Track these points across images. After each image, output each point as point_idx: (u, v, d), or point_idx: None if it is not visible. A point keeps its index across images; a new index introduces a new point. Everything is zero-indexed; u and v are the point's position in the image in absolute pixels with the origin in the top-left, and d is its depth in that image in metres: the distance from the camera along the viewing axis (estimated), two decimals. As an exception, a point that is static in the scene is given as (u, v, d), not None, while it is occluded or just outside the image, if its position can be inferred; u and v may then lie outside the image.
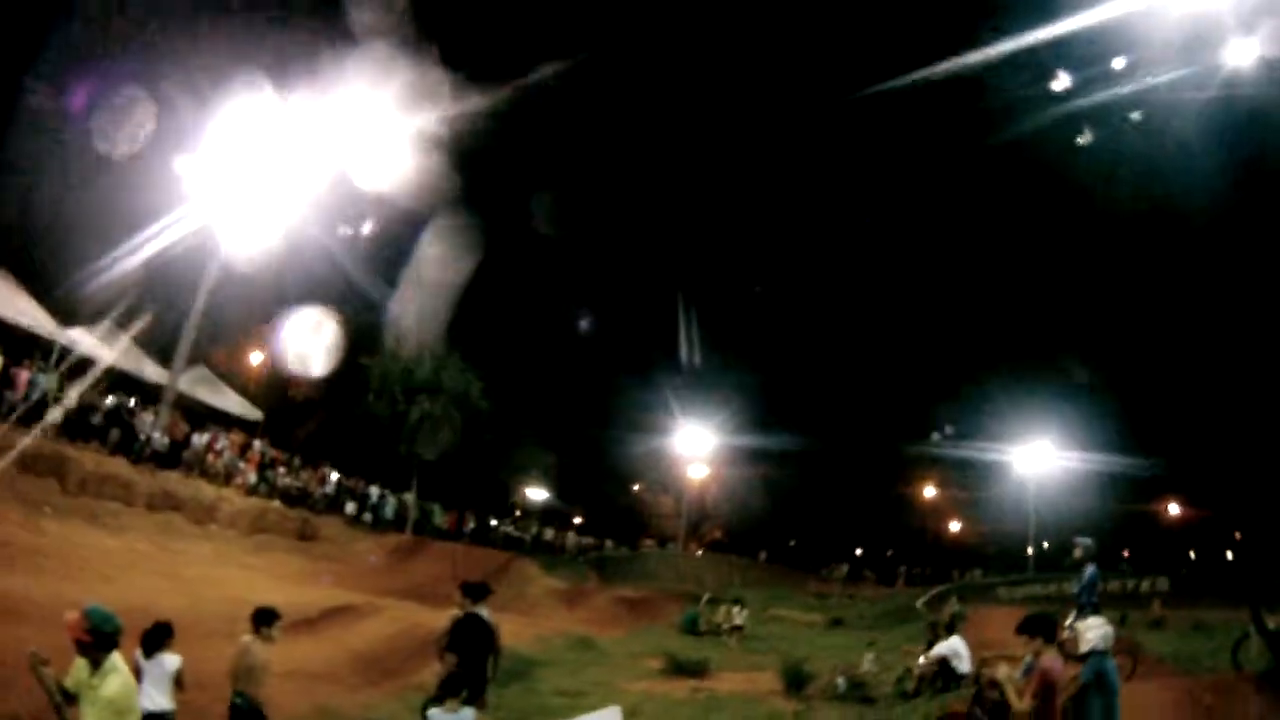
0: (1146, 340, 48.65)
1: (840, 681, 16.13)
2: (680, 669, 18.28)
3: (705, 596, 28.21)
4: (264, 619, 8.48)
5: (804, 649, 21.05)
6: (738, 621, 25.64)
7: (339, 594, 20.51)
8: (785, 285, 60.08)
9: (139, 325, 29.41)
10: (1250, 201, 37.51)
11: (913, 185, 53.28)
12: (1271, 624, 12.57)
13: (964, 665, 14.04)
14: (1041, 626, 7.36)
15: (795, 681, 16.32)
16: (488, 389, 38.61)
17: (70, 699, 5.84)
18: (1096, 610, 13.20)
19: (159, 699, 7.47)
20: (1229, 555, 54.32)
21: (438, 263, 39.50)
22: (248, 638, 8.35)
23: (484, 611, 10.55)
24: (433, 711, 8.01)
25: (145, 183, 27.18)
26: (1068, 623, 9.73)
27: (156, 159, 27.45)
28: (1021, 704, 7.04)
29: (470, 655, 9.83)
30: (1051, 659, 7.23)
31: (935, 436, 54.23)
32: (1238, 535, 56.17)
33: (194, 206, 27.57)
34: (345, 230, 34.39)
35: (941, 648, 14.64)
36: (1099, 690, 8.15)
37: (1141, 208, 40.96)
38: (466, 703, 8.28)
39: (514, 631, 18.92)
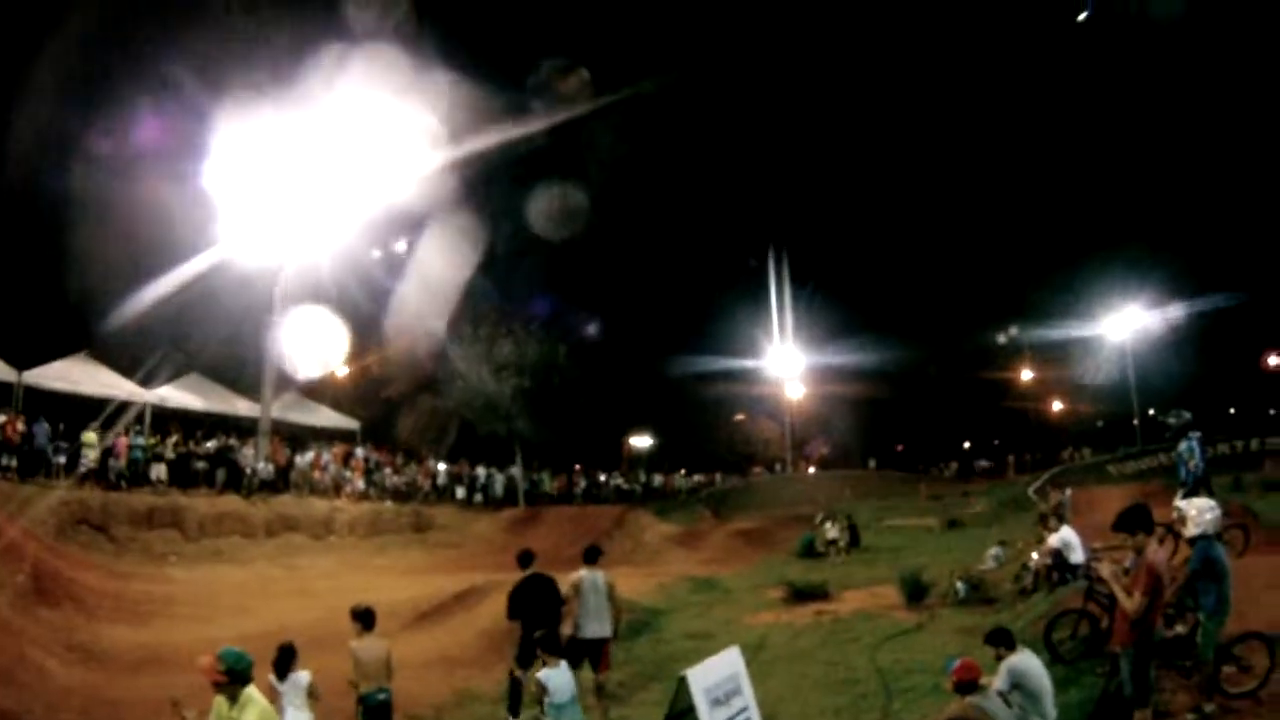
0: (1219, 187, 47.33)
1: (960, 586, 16.08)
2: (801, 595, 18.32)
3: (819, 516, 27.95)
4: (364, 618, 8.86)
5: (922, 556, 21.00)
6: (831, 535, 25.54)
7: (462, 578, 20.87)
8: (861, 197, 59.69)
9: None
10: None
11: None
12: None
13: (1077, 555, 13.75)
14: (1138, 520, 7.03)
15: (915, 592, 16.31)
16: (574, 348, 39.04)
17: None
18: (1206, 482, 12.95)
19: (297, 715, 8.03)
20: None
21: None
22: (354, 641, 8.77)
23: (599, 574, 10.96)
24: (542, 673, 8.51)
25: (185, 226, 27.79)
26: (1176, 501, 9.53)
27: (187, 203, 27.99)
28: (1131, 603, 6.79)
29: (533, 617, 10.21)
30: (1154, 551, 6.93)
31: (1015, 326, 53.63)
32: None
33: (237, 238, 28.35)
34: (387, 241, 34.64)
35: (1053, 540, 14.33)
36: (1209, 576, 7.92)
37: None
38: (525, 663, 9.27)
39: (635, 584, 19.35)
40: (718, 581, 21.98)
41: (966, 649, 10.14)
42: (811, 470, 54.09)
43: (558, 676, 8.55)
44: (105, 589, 18.68)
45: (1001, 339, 54.71)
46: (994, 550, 18.43)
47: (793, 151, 59.12)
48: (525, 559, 10.99)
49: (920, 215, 61.01)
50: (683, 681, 7.94)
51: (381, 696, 8.65)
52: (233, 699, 6.24)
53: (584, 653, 10.56)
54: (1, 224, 30.15)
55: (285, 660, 8.18)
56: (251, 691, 6.33)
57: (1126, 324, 44.42)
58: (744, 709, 8.53)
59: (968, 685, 7.62)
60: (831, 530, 25.74)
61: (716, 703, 8.14)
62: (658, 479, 46.29)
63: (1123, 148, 51.53)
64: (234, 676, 6.21)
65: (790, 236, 55.60)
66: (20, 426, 24.23)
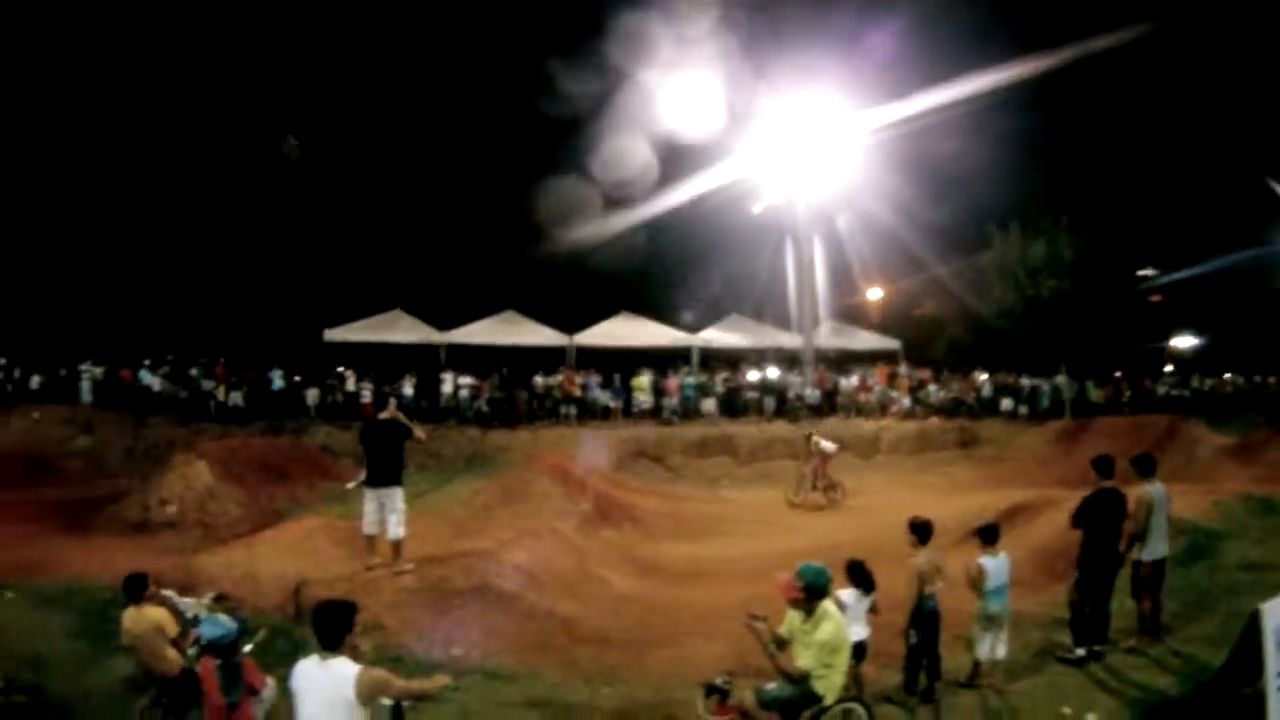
0: None
1: None
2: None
3: None
4: (921, 530, 9.33)
5: None
6: None
7: (1009, 494, 20.78)
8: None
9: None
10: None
11: None
12: None
13: None
14: None
15: None
16: (1105, 240, 38.43)
17: (782, 644, 6.71)
18: None
19: (859, 630, 8.45)
20: None
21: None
22: (913, 555, 9.27)
23: (1161, 488, 10.58)
24: (983, 558, 9.49)
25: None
26: None
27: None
28: None
29: (1098, 530, 10.28)
30: None
31: None
32: None
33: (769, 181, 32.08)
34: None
35: None
36: None
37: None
38: (1103, 577, 10.02)
39: (1191, 502, 17.03)
40: (1276, 504, 18.86)
41: None
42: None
43: (995, 564, 9.36)
44: (661, 511, 21.51)
45: None
46: None
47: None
48: (1105, 468, 10.45)
49: None
50: (1254, 616, 6.89)
51: (931, 604, 9.10)
52: (808, 613, 6.62)
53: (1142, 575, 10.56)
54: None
55: (863, 576, 8.75)
56: (828, 606, 6.66)
57: None
58: (1312, 658, 6.99)
59: None
60: None
61: (1283, 646, 6.91)
62: (1207, 383, 43.15)
63: None
64: (812, 592, 6.58)
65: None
66: (577, 380, 29.50)
